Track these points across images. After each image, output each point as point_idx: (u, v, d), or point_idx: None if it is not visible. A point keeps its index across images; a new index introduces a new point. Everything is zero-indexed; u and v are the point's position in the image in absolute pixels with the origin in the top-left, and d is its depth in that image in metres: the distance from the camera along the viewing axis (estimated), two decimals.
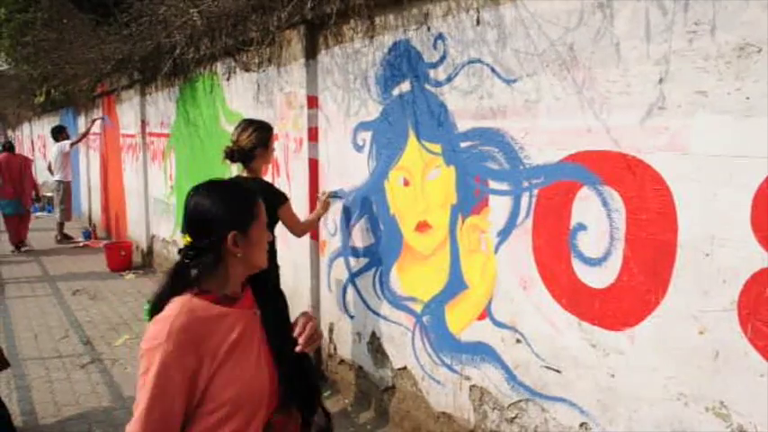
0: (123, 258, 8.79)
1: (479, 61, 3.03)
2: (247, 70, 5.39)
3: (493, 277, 3.07)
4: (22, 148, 23.29)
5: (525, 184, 2.85)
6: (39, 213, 14.65)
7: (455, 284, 3.34)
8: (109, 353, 5.47)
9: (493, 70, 2.96)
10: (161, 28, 5.98)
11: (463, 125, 3.18)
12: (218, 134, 6.06)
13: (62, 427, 4.15)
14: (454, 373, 3.37)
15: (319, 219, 4.21)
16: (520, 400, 2.96)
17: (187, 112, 6.84)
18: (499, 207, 3.00)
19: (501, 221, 2.99)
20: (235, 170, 5.91)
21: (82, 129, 12.10)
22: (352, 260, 4.23)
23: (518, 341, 2.95)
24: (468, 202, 3.20)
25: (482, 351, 3.17)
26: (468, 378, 3.28)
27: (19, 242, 10.41)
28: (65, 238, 11.05)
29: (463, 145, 3.19)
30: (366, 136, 3.98)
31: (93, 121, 10.83)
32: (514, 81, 2.85)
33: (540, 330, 2.83)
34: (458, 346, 3.34)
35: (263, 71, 5.13)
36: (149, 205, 8.62)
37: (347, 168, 4.18)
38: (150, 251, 8.69)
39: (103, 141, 10.91)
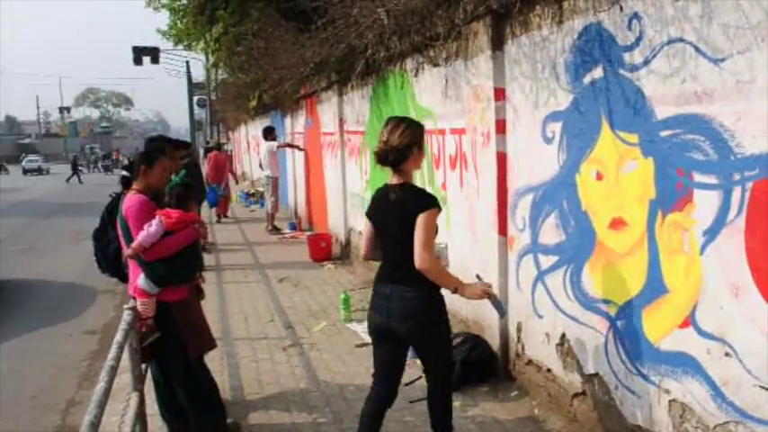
0: (324, 249, 9.32)
1: (681, 40, 2.72)
2: (435, 65, 5.40)
3: (698, 281, 2.75)
4: (240, 147, 25.86)
5: (737, 176, 2.51)
6: (253, 206, 16.18)
7: (654, 287, 3.05)
8: (308, 338, 5.81)
9: (697, 49, 2.64)
10: (353, 30, 6.21)
11: (663, 112, 2.89)
12: None
13: (265, 403, 4.46)
14: (651, 385, 3.08)
15: (452, 287, 3.11)
16: (728, 422, 2.62)
17: (380, 110, 7.04)
18: (705, 203, 2.68)
19: (708, 219, 2.67)
20: (425, 170, 6.00)
21: (289, 129, 13.10)
22: (541, 257, 4.06)
23: (727, 354, 2.61)
24: (669, 197, 2.90)
25: (684, 363, 2.86)
26: (667, 391, 2.98)
27: (223, 215, 14.12)
28: (274, 229, 12.02)
29: (663, 134, 2.89)
30: (556, 127, 3.78)
31: (296, 146, 12.14)
32: (723, 60, 2.52)
33: (753, 344, 2.48)
34: (656, 355, 3.04)
35: (451, 65, 5.10)
36: (347, 199, 9.05)
37: (536, 161, 4.01)
38: (348, 243, 9.12)
39: (307, 140, 11.66)
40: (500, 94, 4.34)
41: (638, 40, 2.99)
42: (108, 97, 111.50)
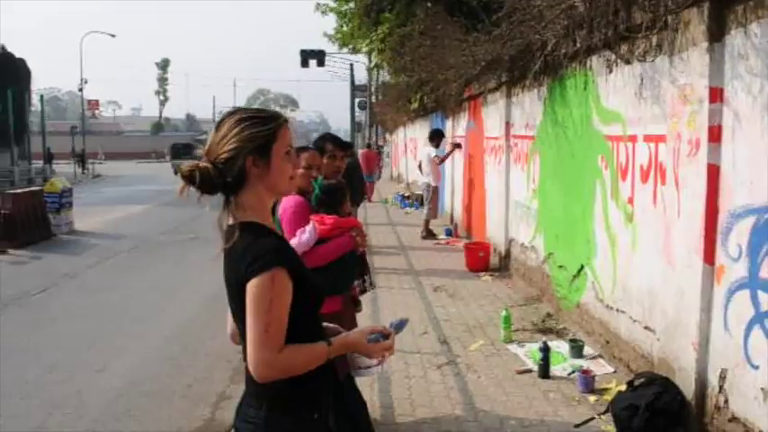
0: (481, 259, 8.85)
1: None
2: (628, 62, 4.74)
3: None
4: (397, 149, 26.11)
5: None
6: (408, 209, 16.07)
7: None
8: (464, 356, 5.37)
9: None
10: (534, 23, 5.68)
11: None
12: (589, 135, 5.52)
13: (416, 428, 4.11)
14: None
15: (322, 359, 1.89)
16: None
17: (555, 113, 6.44)
18: None
19: None
20: (599, 190, 5.30)
21: (450, 131, 12.78)
22: (762, 295, 3.31)
23: None
24: None
25: None
26: None
27: (369, 199, 16.96)
28: (429, 234, 11.72)
29: None
30: None
31: (454, 147, 11.74)
32: None
33: None
34: None
35: (649, 62, 4.43)
36: (509, 208, 8.51)
37: (761, 178, 3.28)
38: (507, 254, 8.57)
39: (468, 143, 11.24)
40: (716, 94, 3.63)
41: None
42: (276, 98, 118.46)
